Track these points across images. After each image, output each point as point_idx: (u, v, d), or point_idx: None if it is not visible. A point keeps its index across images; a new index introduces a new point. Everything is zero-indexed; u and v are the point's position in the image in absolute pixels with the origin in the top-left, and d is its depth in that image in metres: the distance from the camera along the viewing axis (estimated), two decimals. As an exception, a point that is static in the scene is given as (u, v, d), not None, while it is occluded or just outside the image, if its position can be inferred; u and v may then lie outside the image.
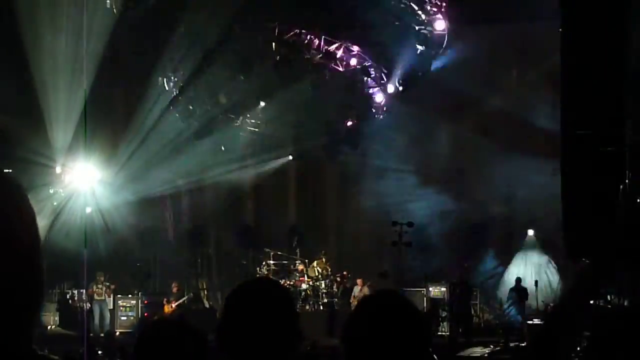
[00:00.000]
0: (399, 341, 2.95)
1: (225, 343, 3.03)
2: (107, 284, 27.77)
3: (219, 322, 3.09)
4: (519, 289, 27.14)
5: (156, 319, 3.81)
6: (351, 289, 28.30)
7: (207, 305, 29.75)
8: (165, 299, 27.74)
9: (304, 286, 28.73)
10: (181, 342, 3.45)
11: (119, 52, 30.74)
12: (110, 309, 27.55)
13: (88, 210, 26.88)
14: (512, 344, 23.99)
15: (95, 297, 27.18)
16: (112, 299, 27.71)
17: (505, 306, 26.84)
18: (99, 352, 17.64)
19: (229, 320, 3.06)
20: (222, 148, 30.48)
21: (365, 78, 27.82)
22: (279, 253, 31.02)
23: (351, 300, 27.44)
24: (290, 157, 32.43)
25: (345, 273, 28.86)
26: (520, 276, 27.81)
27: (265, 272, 28.39)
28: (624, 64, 22.48)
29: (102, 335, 25.16)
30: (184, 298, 27.94)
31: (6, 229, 1.84)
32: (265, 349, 2.96)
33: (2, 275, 1.81)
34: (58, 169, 27.19)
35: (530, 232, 29.99)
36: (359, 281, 27.63)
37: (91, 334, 25.98)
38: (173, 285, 28.35)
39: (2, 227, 1.84)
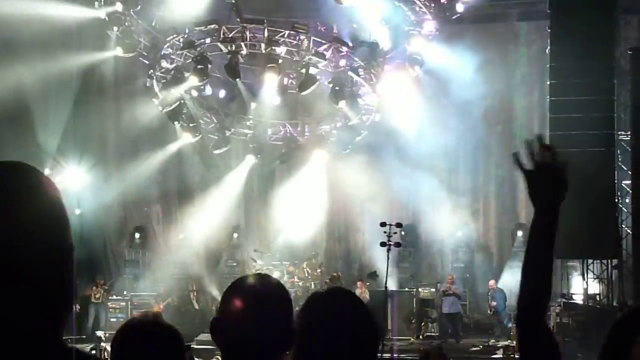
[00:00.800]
0: (346, 342, 2.94)
1: (221, 339, 3.03)
2: (106, 287, 27.86)
3: (215, 317, 3.09)
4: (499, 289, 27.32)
5: (130, 319, 3.84)
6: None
7: (196, 307, 29.71)
8: (153, 300, 27.80)
9: (294, 287, 28.75)
10: (155, 341, 3.44)
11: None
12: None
13: (77, 212, 26.84)
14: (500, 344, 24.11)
15: (93, 300, 27.29)
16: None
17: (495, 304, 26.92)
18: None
19: (225, 315, 3.05)
20: (214, 151, 30.38)
21: (355, 78, 27.79)
22: (268, 254, 31.03)
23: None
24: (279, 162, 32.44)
25: (335, 274, 28.84)
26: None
27: (253, 273, 28.30)
28: (613, 65, 22.61)
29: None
30: (169, 298, 27.98)
31: (35, 222, 1.88)
32: (260, 345, 2.96)
33: (39, 268, 1.84)
34: (47, 171, 27.12)
35: (520, 234, 30.00)
36: (359, 283, 27.64)
37: (84, 336, 26.04)
38: (160, 286, 28.41)
39: (33, 221, 1.87)
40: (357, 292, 26.39)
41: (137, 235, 32.27)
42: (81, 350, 2.05)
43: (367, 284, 27.71)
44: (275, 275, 29.22)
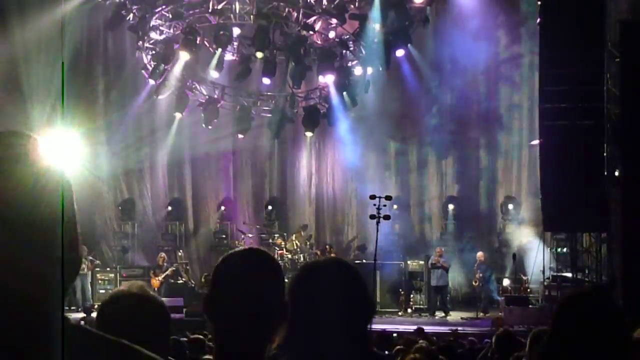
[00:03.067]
0: (338, 311, 2.91)
1: (213, 313, 3.00)
2: (90, 258, 27.82)
3: (207, 292, 3.06)
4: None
5: (115, 290, 3.79)
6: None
7: (185, 279, 29.73)
8: (152, 272, 27.79)
9: (282, 260, 28.82)
10: (140, 312, 3.40)
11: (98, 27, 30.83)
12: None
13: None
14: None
15: (78, 271, 27.20)
16: (91, 273, 27.76)
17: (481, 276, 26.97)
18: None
19: (216, 289, 3.02)
20: (203, 125, 30.30)
21: (344, 51, 27.76)
22: (258, 226, 31.07)
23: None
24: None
25: (327, 247, 28.88)
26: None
27: (243, 246, 28.31)
28: (603, 37, 22.55)
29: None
30: (170, 269, 27.94)
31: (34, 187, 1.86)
32: (252, 318, 2.93)
33: (41, 243, 1.82)
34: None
35: (510, 206, 30.09)
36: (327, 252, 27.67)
37: (72, 307, 26.10)
38: (159, 256, 28.36)
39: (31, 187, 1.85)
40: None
41: (126, 206, 32.25)
42: (82, 325, 2.04)
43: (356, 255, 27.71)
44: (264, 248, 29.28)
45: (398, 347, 11.07)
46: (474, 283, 27.22)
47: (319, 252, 28.80)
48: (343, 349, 2.96)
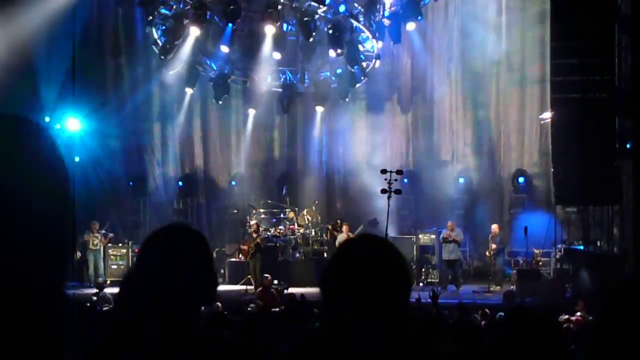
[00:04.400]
0: (378, 286, 2.90)
1: (131, 292, 3.02)
2: (103, 232, 27.90)
3: (128, 271, 3.08)
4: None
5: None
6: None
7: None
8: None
9: (294, 234, 28.87)
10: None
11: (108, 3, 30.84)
12: (101, 258, 27.77)
13: (76, 159, 26.86)
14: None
15: (90, 246, 27.32)
16: (103, 248, 27.85)
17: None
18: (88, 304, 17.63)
19: (139, 268, 3.05)
20: (214, 100, 30.31)
21: (355, 24, 27.68)
22: (269, 201, 31.08)
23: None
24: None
25: (339, 221, 28.86)
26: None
27: (255, 221, 28.39)
28: (615, 10, 22.45)
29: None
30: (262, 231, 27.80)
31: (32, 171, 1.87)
32: (175, 297, 2.95)
33: (37, 217, 1.84)
34: (46, 119, 27.08)
35: (522, 179, 30.01)
36: (344, 228, 27.57)
37: (86, 283, 26.22)
38: (252, 224, 28.15)
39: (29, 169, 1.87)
40: (341, 237, 26.45)
41: (137, 181, 32.27)
42: (79, 301, 2.06)
43: (358, 231, 27.60)
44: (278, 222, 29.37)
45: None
46: (487, 253, 27.15)
47: (330, 227, 28.84)
48: (384, 327, 2.96)
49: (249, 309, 19.68)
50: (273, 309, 18.34)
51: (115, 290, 20.42)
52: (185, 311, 2.99)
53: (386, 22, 27.83)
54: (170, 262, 3.00)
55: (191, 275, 3.01)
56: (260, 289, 22.70)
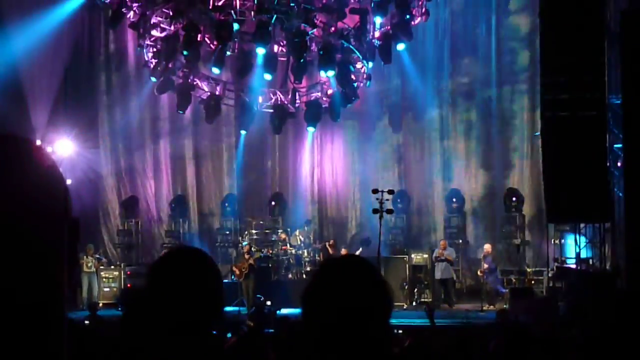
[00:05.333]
0: (358, 306, 2.90)
1: (144, 317, 3.03)
2: (97, 256, 27.88)
3: (134, 293, 3.10)
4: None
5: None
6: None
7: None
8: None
9: (286, 255, 28.88)
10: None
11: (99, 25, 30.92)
12: (93, 281, 27.72)
13: (69, 182, 26.85)
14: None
15: (85, 269, 27.29)
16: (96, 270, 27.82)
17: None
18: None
19: (152, 290, 3.06)
20: (205, 121, 30.37)
21: (345, 45, 27.74)
22: (261, 222, 31.07)
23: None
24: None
25: (332, 242, 28.86)
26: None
27: (247, 242, 28.40)
28: (604, 27, 22.53)
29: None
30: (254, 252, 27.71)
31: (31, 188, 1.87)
32: (187, 317, 2.97)
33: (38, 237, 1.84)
34: (38, 142, 27.10)
35: (513, 198, 30.04)
36: (343, 250, 27.62)
37: (81, 306, 26.17)
38: (245, 245, 28.09)
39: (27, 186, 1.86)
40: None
41: (129, 204, 32.27)
42: (78, 323, 2.06)
43: (360, 250, 27.65)
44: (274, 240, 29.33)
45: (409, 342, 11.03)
46: (479, 273, 27.16)
47: (320, 247, 28.89)
48: (365, 350, 2.95)
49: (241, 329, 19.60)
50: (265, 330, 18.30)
51: (109, 312, 20.39)
52: (195, 334, 3.00)
53: (377, 42, 27.90)
54: (181, 286, 3.01)
55: (201, 298, 3.02)
56: (253, 309, 22.70)
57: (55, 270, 1.87)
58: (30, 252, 1.84)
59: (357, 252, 27.28)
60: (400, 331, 14.44)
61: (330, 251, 28.13)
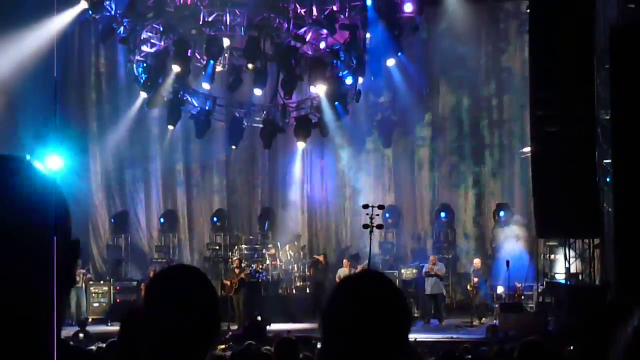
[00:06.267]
0: (381, 322, 2.90)
1: (140, 331, 3.04)
2: (83, 271, 27.80)
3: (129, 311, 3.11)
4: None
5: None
6: (325, 272, 28.32)
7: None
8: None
9: (276, 270, 28.87)
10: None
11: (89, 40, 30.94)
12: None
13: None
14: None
15: (73, 284, 27.19)
16: (84, 285, 27.72)
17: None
18: (71, 343, 17.50)
19: (148, 308, 3.07)
20: (195, 136, 30.36)
21: (335, 61, 27.80)
22: (251, 237, 31.06)
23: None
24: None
25: (322, 256, 28.85)
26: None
27: (237, 257, 28.37)
28: (593, 43, 22.62)
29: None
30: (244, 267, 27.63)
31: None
32: (184, 334, 2.97)
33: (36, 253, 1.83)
34: (27, 157, 27.01)
35: (502, 213, 30.08)
36: (345, 262, 27.53)
37: (67, 321, 26.07)
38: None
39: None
40: (342, 272, 26.37)
41: (119, 219, 32.24)
42: (69, 343, 2.05)
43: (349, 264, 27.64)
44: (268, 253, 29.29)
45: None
46: (468, 288, 27.20)
47: (310, 263, 28.92)
48: None
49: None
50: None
51: (97, 328, 20.35)
52: (191, 353, 3.01)
53: (366, 57, 27.97)
54: (176, 304, 3.02)
55: (196, 316, 3.03)
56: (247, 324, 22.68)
57: (47, 291, 1.87)
58: (22, 272, 1.84)
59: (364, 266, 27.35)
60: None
61: (321, 263, 28.19)
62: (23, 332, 1.82)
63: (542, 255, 26.53)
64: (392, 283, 3.05)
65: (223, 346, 16.32)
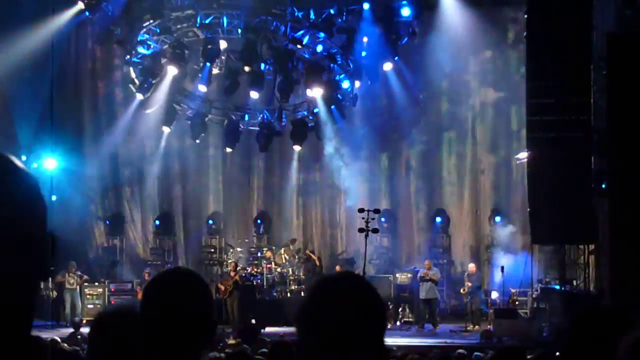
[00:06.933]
0: (355, 325, 2.89)
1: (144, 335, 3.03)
2: (79, 273, 27.75)
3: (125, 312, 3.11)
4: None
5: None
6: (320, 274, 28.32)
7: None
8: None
9: (271, 273, 28.85)
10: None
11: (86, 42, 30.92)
12: (77, 298, 27.59)
13: (53, 198, 26.76)
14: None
15: (67, 285, 27.19)
16: (79, 287, 27.69)
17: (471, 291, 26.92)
18: (64, 344, 17.45)
19: (147, 311, 3.07)
20: (191, 139, 30.34)
21: (332, 65, 27.79)
22: (246, 240, 31.04)
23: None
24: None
25: (317, 259, 28.82)
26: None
27: (232, 260, 28.35)
28: (590, 50, 22.65)
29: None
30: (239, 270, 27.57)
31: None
32: (179, 335, 2.98)
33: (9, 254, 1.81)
34: (23, 158, 27.02)
35: (498, 219, 30.10)
36: (337, 268, 27.56)
37: (62, 322, 26.04)
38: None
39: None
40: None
41: (114, 220, 32.21)
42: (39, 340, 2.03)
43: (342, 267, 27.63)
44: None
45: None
46: (462, 291, 27.20)
47: (303, 266, 28.95)
48: None
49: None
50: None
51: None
52: (185, 355, 3.00)
53: (363, 61, 27.98)
54: (172, 307, 3.02)
55: (193, 319, 3.03)
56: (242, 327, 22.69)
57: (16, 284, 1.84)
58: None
59: (337, 269, 27.35)
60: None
61: (315, 259, 28.25)
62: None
63: (537, 261, 26.54)
64: (369, 284, 3.05)
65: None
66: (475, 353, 14.49)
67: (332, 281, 3.13)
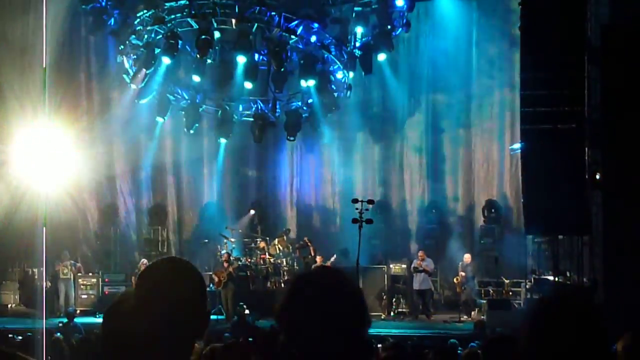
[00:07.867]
0: (335, 320, 2.89)
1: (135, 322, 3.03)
2: (73, 262, 27.75)
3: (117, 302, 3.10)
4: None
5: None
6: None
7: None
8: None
9: (265, 264, 28.85)
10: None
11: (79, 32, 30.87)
12: (71, 288, 27.60)
13: (49, 189, 26.70)
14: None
15: (61, 275, 27.22)
16: (73, 277, 27.69)
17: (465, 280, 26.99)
18: (58, 334, 17.44)
19: (138, 300, 3.06)
20: (185, 129, 30.30)
21: (326, 55, 27.77)
22: (240, 231, 31.00)
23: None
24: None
25: (312, 249, 28.77)
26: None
27: (226, 251, 28.31)
28: (584, 41, 22.63)
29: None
30: (233, 261, 27.54)
31: None
32: (172, 325, 2.97)
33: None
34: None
35: (492, 210, 30.10)
36: (318, 259, 27.56)
37: (58, 313, 26.03)
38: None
39: None
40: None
41: (108, 210, 32.17)
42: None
43: (330, 260, 27.55)
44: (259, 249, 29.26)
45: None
46: (455, 281, 27.26)
47: (298, 246, 29.00)
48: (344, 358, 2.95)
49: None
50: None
51: (86, 319, 20.29)
52: (179, 345, 3.00)
53: (357, 52, 27.98)
54: (166, 296, 3.01)
55: (186, 309, 3.03)
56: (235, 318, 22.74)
57: None
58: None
59: (332, 259, 27.37)
60: (379, 345, 14.33)
61: (312, 248, 28.29)
62: None
63: (530, 252, 26.59)
64: (350, 279, 3.05)
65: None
66: (471, 344, 14.52)
67: (310, 276, 3.14)
